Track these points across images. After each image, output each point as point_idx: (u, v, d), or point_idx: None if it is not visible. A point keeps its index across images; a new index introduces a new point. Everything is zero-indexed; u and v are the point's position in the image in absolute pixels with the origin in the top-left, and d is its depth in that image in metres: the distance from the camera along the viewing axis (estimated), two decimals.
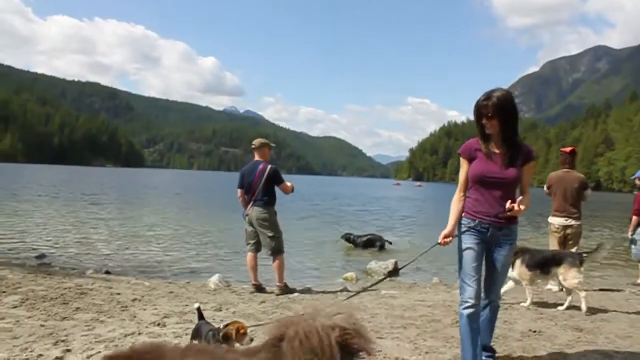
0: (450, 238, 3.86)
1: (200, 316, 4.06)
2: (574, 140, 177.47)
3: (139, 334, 4.63)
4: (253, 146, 7.74)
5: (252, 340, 3.49)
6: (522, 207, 3.69)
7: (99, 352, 3.99)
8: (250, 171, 7.45)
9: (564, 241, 7.87)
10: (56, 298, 5.91)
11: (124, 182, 60.44)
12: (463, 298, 3.85)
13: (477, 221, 3.87)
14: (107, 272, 8.68)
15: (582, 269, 6.35)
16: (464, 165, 3.98)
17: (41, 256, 10.25)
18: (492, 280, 3.98)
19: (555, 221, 7.94)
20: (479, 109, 3.78)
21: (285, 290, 7.31)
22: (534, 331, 5.15)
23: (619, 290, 8.33)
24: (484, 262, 3.93)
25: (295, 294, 7.23)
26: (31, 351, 3.92)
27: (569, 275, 6.31)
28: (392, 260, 10.14)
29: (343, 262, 11.56)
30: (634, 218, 9.27)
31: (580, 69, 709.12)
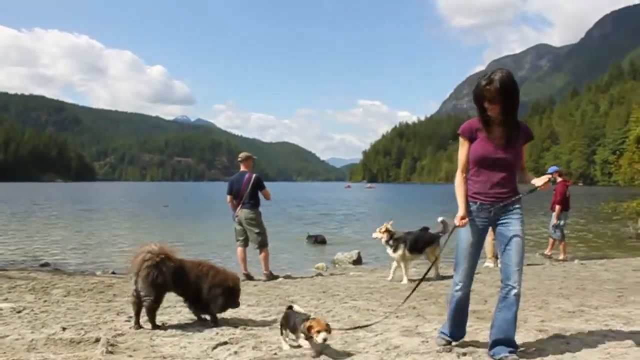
0: (466, 219, 3.91)
1: (290, 306, 4.41)
2: None
3: (174, 306, 6.13)
4: (239, 159, 9.32)
5: (324, 340, 3.83)
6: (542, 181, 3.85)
7: None
8: (238, 180, 9.04)
9: None
10: (91, 289, 7.35)
11: (90, 197, 60.74)
12: (455, 280, 4.06)
13: (478, 203, 3.94)
14: (113, 273, 10.06)
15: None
16: (464, 145, 4.02)
17: (46, 264, 11.50)
18: (509, 259, 3.86)
19: None
20: (481, 92, 3.82)
21: (271, 277, 8.89)
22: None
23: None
24: (499, 244, 3.98)
25: (280, 279, 8.82)
26: (105, 321, 5.37)
27: (436, 251, 8.21)
28: (356, 251, 11.86)
29: (312, 254, 13.25)
30: (557, 207, 11.38)
31: (524, 66, 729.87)
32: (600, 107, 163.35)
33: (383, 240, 8.16)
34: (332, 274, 9.42)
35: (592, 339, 4.30)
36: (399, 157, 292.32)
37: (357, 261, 11.48)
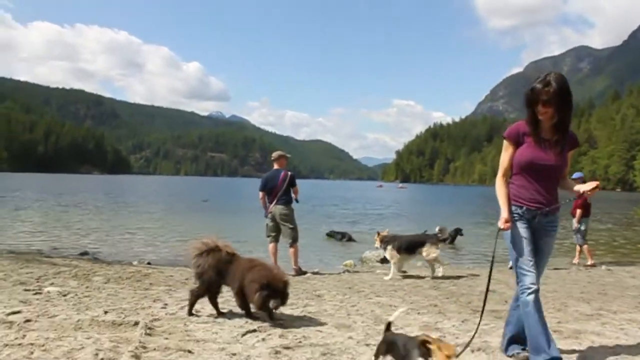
0: (510, 223, 3.81)
1: (389, 325, 3.64)
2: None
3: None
4: (272, 157, 9.66)
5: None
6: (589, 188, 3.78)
7: (187, 304, 5.84)
8: (273, 177, 9.37)
9: None
10: (129, 278, 7.76)
11: (135, 190, 62.36)
12: (524, 285, 3.80)
13: (524, 208, 3.87)
14: (149, 263, 10.50)
15: (438, 247, 8.71)
16: (508, 149, 3.93)
17: (84, 253, 12.03)
18: (538, 268, 3.86)
19: None
20: (536, 95, 3.70)
21: (300, 272, 9.19)
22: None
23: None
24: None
25: (308, 275, 9.12)
26: (142, 307, 5.73)
27: (429, 252, 8.60)
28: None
29: (341, 252, 13.52)
30: (578, 211, 11.42)
31: (564, 69, 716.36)
32: None
33: (377, 244, 9.13)
34: (358, 272, 9.68)
35: (606, 341, 4.49)
36: (432, 158, 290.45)
37: (385, 260, 11.69)
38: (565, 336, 4.66)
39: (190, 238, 14.93)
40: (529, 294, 3.75)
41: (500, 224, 3.80)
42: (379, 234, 9.22)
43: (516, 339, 3.99)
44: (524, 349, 3.91)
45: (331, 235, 16.79)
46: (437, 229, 9.18)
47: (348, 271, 10.00)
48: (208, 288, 5.31)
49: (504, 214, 3.81)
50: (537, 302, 3.74)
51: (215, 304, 5.39)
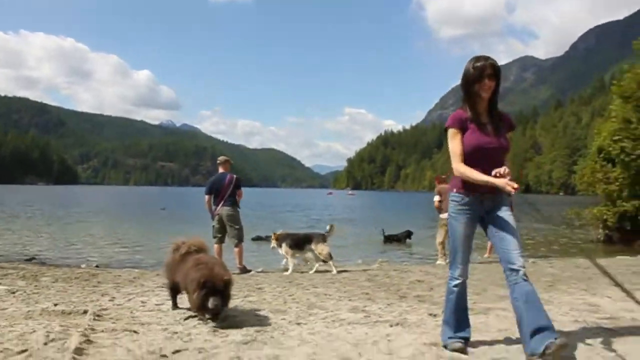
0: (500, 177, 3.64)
1: None
2: None
3: (153, 291, 6.82)
4: (218, 162, 10.19)
5: None
6: (508, 169, 3.72)
7: (133, 297, 6.19)
8: (219, 180, 9.81)
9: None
10: (77, 278, 8.03)
11: (84, 199, 61.24)
12: (454, 275, 3.99)
13: (470, 196, 3.90)
14: (97, 266, 10.72)
15: (326, 243, 9.49)
16: (456, 136, 3.91)
17: (32, 258, 12.13)
18: (509, 246, 3.77)
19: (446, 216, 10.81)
20: (481, 70, 3.79)
21: (244, 270, 9.60)
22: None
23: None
24: (492, 234, 3.89)
25: (252, 272, 9.53)
26: (91, 300, 6.04)
27: (319, 248, 9.36)
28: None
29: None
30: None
31: (510, 78, 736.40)
32: (582, 119, 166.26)
33: (273, 243, 9.79)
34: (301, 271, 10.15)
35: (510, 315, 5.05)
36: (384, 165, 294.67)
37: (329, 257, 12.19)
38: (475, 312, 5.21)
39: (149, 244, 15.29)
40: (455, 285, 3.99)
41: (509, 188, 3.59)
42: (274, 234, 9.91)
43: (540, 329, 3.58)
44: (556, 338, 3.47)
45: (257, 239, 17.10)
46: (327, 227, 9.98)
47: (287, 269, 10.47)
48: (169, 282, 5.43)
49: (498, 181, 3.65)
50: (460, 293, 4.01)
51: (173, 299, 5.49)
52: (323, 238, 9.55)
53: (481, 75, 3.79)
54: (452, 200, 3.99)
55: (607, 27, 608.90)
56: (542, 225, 23.94)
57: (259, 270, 9.94)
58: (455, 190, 3.97)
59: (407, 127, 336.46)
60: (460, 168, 3.87)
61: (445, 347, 3.96)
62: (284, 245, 9.55)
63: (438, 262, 11.25)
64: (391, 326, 4.66)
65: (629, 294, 2.93)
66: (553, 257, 12.76)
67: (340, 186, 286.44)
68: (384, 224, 21.48)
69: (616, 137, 16.34)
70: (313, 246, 9.42)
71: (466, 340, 3.97)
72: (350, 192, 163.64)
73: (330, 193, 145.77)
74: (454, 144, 3.91)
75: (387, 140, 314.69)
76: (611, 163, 17.15)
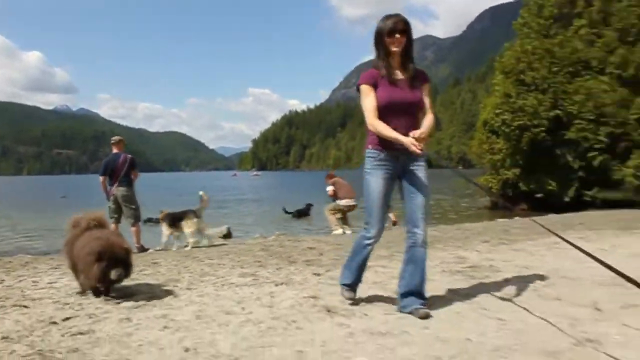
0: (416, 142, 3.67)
1: None
2: None
3: (45, 272, 6.79)
4: (112, 141, 10.09)
5: None
6: (424, 133, 3.77)
7: (24, 279, 6.16)
8: (113, 160, 9.76)
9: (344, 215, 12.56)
10: None
11: None
12: (368, 234, 3.98)
13: (385, 152, 3.89)
14: None
15: (196, 220, 9.81)
16: (369, 93, 3.89)
17: None
18: (417, 208, 3.90)
19: (344, 202, 12.46)
20: (393, 25, 3.81)
21: (142, 249, 9.65)
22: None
23: None
24: (408, 191, 3.94)
25: (150, 251, 9.60)
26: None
27: (187, 225, 9.74)
28: (226, 226, 12.86)
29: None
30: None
31: None
32: (477, 96, 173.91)
33: (161, 222, 10.13)
34: (199, 246, 10.30)
35: (389, 271, 5.53)
36: (288, 145, 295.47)
37: (227, 235, 12.43)
38: None
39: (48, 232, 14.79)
40: (368, 244, 4.01)
41: (413, 148, 3.66)
42: (162, 212, 10.24)
43: (413, 292, 3.93)
44: (423, 304, 3.87)
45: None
46: (200, 193, 10.37)
47: (187, 246, 10.61)
48: (70, 264, 5.05)
49: (404, 139, 3.70)
50: (369, 252, 4.07)
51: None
52: (195, 214, 9.83)
53: (393, 30, 3.82)
54: (368, 157, 3.98)
55: (501, 8, 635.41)
56: (442, 195, 25.27)
57: (158, 248, 10.02)
58: (371, 146, 3.98)
59: (312, 106, 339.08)
60: (374, 123, 3.86)
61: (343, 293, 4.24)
62: (164, 224, 9.89)
63: (335, 232, 11.90)
64: (276, 285, 5.00)
65: (562, 238, 3.39)
66: (440, 223, 13.60)
67: (246, 167, 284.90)
68: (287, 202, 21.95)
69: (498, 111, 17.54)
70: (183, 223, 9.71)
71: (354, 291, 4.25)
72: (254, 173, 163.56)
73: (235, 174, 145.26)
74: (368, 100, 3.90)
75: (291, 120, 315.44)
76: (495, 135, 18.36)
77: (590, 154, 16.19)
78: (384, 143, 3.88)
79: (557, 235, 3.49)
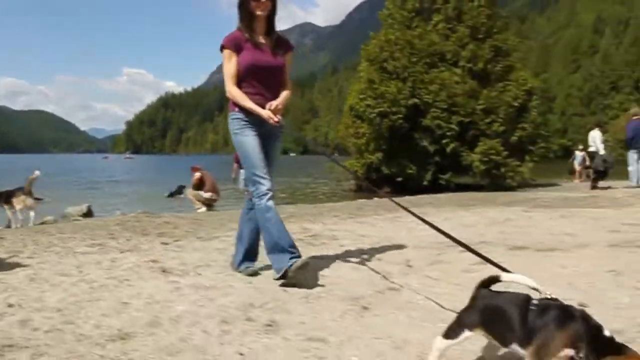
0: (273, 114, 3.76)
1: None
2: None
3: None
4: None
5: None
6: (281, 104, 3.84)
7: None
8: None
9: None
10: None
11: None
12: (261, 191, 3.83)
13: (251, 116, 3.87)
14: None
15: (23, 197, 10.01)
16: (232, 57, 3.87)
17: None
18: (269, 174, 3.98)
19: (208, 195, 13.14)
20: None
21: None
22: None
23: None
24: None
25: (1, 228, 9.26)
26: None
27: (16, 202, 9.94)
28: (86, 205, 12.59)
29: (45, 211, 13.58)
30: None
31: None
32: (352, 84, 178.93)
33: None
34: (56, 223, 10.07)
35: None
36: (165, 128, 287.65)
37: (88, 214, 12.19)
38: (205, 240, 5.93)
39: None
40: (269, 199, 3.82)
41: (272, 121, 3.76)
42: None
43: (248, 254, 4.15)
44: (251, 264, 4.14)
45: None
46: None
47: (44, 223, 10.32)
48: None
49: (261, 112, 3.78)
50: (275, 211, 3.86)
51: None
52: (23, 191, 9.90)
53: None
54: (236, 118, 3.94)
55: (380, 0, 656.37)
56: (311, 179, 25.99)
57: (6, 225, 9.69)
58: (236, 109, 3.95)
59: (189, 89, 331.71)
60: (232, 91, 3.87)
61: (280, 276, 3.78)
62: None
63: (199, 210, 12.21)
64: (121, 252, 5.14)
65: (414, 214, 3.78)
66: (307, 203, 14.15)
67: (119, 150, 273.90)
68: (159, 184, 21.71)
69: (362, 96, 18.40)
70: (14, 200, 9.75)
71: (299, 257, 3.86)
72: (127, 155, 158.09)
73: (106, 157, 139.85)
74: (229, 65, 3.87)
75: (168, 103, 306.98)
76: (360, 119, 19.22)
77: (444, 141, 17.44)
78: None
79: (401, 206, 3.95)
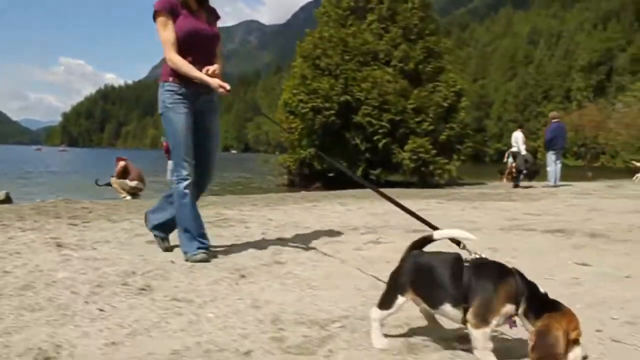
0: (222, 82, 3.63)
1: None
2: (226, 106, 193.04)
3: None
4: None
5: None
6: (218, 69, 3.69)
7: None
8: None
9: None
10: None
11: None
12: (181, 175, 3.72)
13: (187, 88, 3.71)
14: None
15: None
16: (167, 23, 3.64)
17: None
18: (208, 152, 3.89)
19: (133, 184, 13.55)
20: None
21: None
22: None
23: None
24: (199, 136, 3.83)
25: None
26: None
27: None
28: (4, 192, 12.18)
29: None
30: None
31: (235, 40, 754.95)
32: None
33: None
34: None
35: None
36: (103, 121, 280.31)
37: (6, 200, 11.78)
38: (116, 221, 5.90)
39: None
40: (187, 185, 3.73)
41: (221, 90, 3.62)
42: None
43: (162, 226, 4.12)
44: (165, 237, 4.15)
45: None
46: None
47: None
48: None
49: (210, 80, 3.61)
50: (191, 194, 3.78)
51: None
52: None
53: None
54: (167, 90, 3.73)
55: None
56: (248, 174, 25.97)
57: None
58: (171, 79, 3.73)
59: (130, 82, 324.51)
60: (174, 58, 3.65)
61: (186, 260, 3.74)
62: None
63: (125, 198, 12.55)
64: (22, 231, 5.07)
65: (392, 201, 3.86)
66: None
67: (54, 142, 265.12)
68: (92, 175, 21.21)
69: (295, 91, 18.49)
70: None
71: (207, 248, 3.87)
72: (62, 148, 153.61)
73: (39, 149, 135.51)
74: (166, 32, 3.65)
75: (107, 95, 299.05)
76: (293, 115, 19.27)
77: (375, 138, 17.72)
78: (184, 78, 3.69)
79: (377, 191, 4.01)
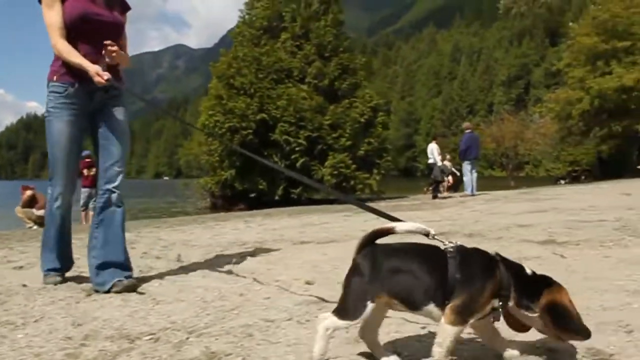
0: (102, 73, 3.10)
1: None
2: (156, 132, 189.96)
3: None
4: None
5: None
6: (118, 52, 3.23)
7: None
8: None
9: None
10: None
11: None
12: (54, 194, 3.30)
13: (76, 87, 3.19)
14: None
15: None
16: (54, 5, 3.13)
17: None
18: (112, 159, 3.30)
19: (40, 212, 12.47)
20: None
21: None
22: None
23: None
24: (102, 139, 3.33)
25: None
26: None
27: None
28: None
29: None
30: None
31: (163, 64, 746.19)
32: None
33: None
34: None
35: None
36: (27, 152, 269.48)
37: None
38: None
39: None
40: (59, 206, 3.32)
41: (98, 79, 3.07)
42: None
43: (114, 263, 3.27)
44: (128, 277, 3.28)
45: None
46: None
47: None
48: None
49: (91, 67, 3.07)
50: (65, 216, 3.38)
51: None
52: None
53: None
54: (52, 92, 3.21)
55: None
56: (172, 198, 25.44)
57: None
58: (56, 77, 3.21)
59: None
60: (58, 44, 3.13)
61: (44, 276, 3.47)
62: None
63: (32, 228, 12.31)
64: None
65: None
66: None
67: None
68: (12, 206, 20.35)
69: (211, 112, 18.33)
70: None
71: (61, 270, 3.53)
72: None
73: None
74: (52, 14, 3.13)
75: (29, 124, 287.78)
76: (212, 136, 19.06)
77: (294, 156, 17.73)
78: (76, 74, 3.17)
79: (356, 204, 3.37)
